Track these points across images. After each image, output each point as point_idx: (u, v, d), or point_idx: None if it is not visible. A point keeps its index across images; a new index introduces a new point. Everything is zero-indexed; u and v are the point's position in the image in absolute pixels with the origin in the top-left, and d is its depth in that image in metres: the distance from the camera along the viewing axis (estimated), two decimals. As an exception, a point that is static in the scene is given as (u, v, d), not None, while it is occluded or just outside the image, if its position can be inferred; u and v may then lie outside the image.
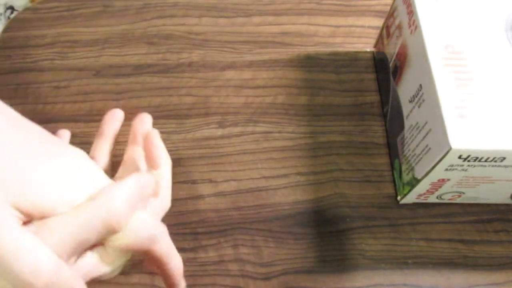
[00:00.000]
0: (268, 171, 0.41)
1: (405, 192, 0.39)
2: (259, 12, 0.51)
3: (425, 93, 0.35)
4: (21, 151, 0.24)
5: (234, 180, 0.41)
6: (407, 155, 0.38)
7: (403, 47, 0.39)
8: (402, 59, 0.40)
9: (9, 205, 0.22)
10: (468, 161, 0.32)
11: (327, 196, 0.40)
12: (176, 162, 0.42)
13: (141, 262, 0.37)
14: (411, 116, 0.37)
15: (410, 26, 0.38)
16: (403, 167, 0.39)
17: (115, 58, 0.47)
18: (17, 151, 0.24)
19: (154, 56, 0.48)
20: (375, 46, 0.48)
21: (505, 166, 0.33)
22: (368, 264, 0.38)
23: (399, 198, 0.40)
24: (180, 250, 0.38)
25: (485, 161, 0.32)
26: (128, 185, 0.26)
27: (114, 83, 0.46)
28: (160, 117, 0.44)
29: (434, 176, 0.35)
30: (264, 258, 0.38)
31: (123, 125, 0.43)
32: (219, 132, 0.43)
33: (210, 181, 0.41)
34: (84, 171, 0.27)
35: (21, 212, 0.23)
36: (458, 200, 0.39)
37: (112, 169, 0.35)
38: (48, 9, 0.51)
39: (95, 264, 0.26)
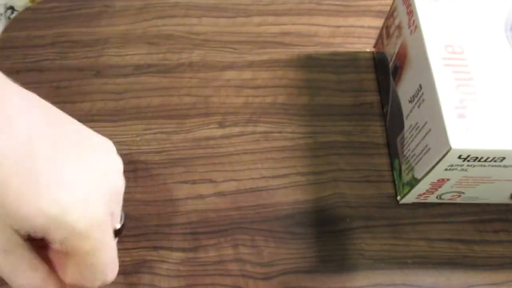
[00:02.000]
0: (268, 171, 0.41)
1: (405, 192, 0.39)
2: (259, 12, 0.51)
3: (425, 93, 0.35)
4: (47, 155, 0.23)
5: (234, 180, 0.41)
6: (407, 155, 0.38)
7: (403, 47, 0.39)
8: (402, 59, 0.40)
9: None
10: (468, 161, 0.32)
11: (327, 196, 0.40)
12: (176, 162, 0.42)
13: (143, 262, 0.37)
14: (411, 116, 0.37)
15: (410, 26, 0.38)
16: (403, 167, 0.39)
17: (115, 58, 0.47)
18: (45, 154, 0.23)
19: (155, 56, 0.48)
20: (375, 46, 0.48)
21: (505, 166, 0.33)
22: (368, 264, 0.38)
23: (399, 198, 0.40)
24: (180, 250, 0.38)
25: (485, 161, 0.32)
26: None
27: (114, 83, 0.46)
28: (160, 117, 0.44)
29: (434, 176, 0.35)
30: (264, 258, 0.38)
31: (123, 125, 0.43)
32: (219, 132, 0.44)
33: (210, 181, 0.41)
34: (101, 168, 0.25)
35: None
36: (458, 200, 0.39)
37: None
38: (48, 9, 0.51)
39: None
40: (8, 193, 0.21)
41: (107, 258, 0.24)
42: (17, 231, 0.22)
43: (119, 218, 0.27)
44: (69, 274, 0.24)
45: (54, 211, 0.22)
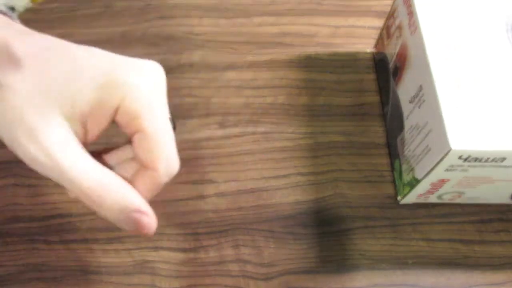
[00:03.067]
0: (269, 171, 0.41)
1: (405, 192, 0.39)
2: (259, 13, 0.51)
3: (425, 94, 0.35)
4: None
5: (235, 180, 0.41)
6: (407, 155, 0.38)
7: (403, 47, 0.39)
8: (402, 59, 0.40)
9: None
10: (468, 161, 0.32)
11: (328, 197, 0.40)
12: (177, 163, 0.42)
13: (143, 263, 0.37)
14: (411, 117, 0.37)
15: (410, 27, 0.38)
16: (403, 168, 0.39)
17: (116, 59, 0.47)
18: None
19: (155, 56, 0.48)
20: (375, 47, 0.48)
21: (505, 167, 0.33)
22: (368, 264, 0.38)
23: (399, 198, 0.40)
24: (181, 250, 0.38)
25: (485, 161, 0.33)
26: None
27: (115, 84, 0.46)
28: (160, 118, 0.44)
29: (434, 177, 0.35)
30: (265, 258, 0.38)
31: (124, 126, 0.43)
32: (220, 132, 0.44)
33: (211, 181, 0.41)
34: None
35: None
36: (458, 200, 0.39)
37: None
38: (49, 10, 0.51)
39: None
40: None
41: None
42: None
43: None
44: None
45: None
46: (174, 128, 0.27)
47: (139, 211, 0.23)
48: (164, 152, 0.24)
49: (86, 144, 0.24)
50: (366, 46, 0.49)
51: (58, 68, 0.23)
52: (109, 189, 0.22)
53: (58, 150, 0.21)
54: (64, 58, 0.23)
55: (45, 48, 0.23)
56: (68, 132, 0.22)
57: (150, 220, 0.24)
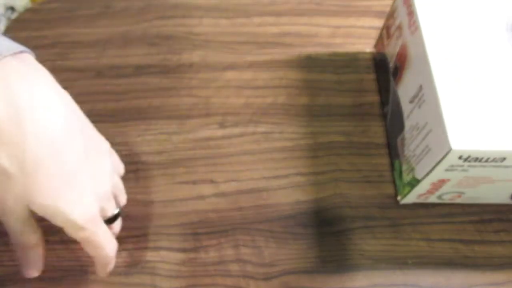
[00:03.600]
0: (269, 171, 0.41)
1: (405, 192, 0.39)
2: (259, 13, 0.51)
3: (425, 94, 0.35)
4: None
5: (235, 180, 0.41)
6: (408, 155, 0.38)
7: (403, 47, 0.39)
8: (402, 59, 0.40)
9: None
10: (469, 161, 0.32)
11: (328, 197, 0.40)
12: (177, 163, 0.42)
13: (140, 262, 0.37)
14: (412, 117, 0.37)
15: (410, 27, 0.38)
16: (404, 168, 0.39)
17: (116, 59, 0.47)
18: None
19: (155, 56, 0.48)
20: (375, 47, 0.48)
21: (505, 167, 0.33)
22: (368, 264, 0.38)
23: (399, 198, 0.40)
24: (181, 250, 0.38)
25: (486, 161, 0.33)
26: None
27: (115, 84, 0.46)
28: (160, 118, 0.44)
29: (434, 177, 0.35)
30: (265, 258, 0.38)
31: (123, 126, 0.44)
32: (220, 132, 0.44)
33: (211, 181, 0.41)
34: (99, 174, 0.31)
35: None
36: (458, 200, 0.39)
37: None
38: (49, 10, 0.51)
39: None
40: (35, 182, 0.27)
41: (101, 241, 0.31)
42: (30, 209, 0.29)
43: (112, 209, 0.33)
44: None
45: (64, 208, 0.29)
46: (119, 215, 0.35)
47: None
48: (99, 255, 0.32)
49: None
50: (366, 46, 0.49)
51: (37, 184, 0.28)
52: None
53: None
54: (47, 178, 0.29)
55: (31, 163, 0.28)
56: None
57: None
